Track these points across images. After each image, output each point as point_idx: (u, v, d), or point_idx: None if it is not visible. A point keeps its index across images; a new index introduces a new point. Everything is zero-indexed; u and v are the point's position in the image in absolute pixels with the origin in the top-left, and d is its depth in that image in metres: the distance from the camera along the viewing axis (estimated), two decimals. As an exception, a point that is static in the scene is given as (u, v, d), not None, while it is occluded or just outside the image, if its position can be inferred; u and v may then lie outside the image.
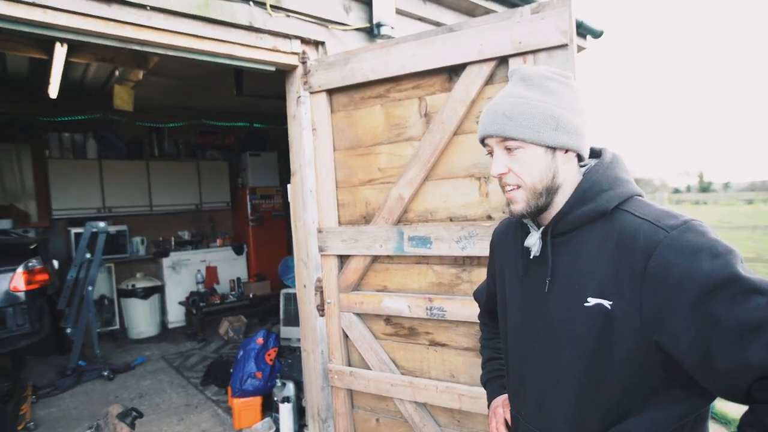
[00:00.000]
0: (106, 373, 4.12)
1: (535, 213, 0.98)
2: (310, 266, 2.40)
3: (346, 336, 2.29)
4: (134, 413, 2.06)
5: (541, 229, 1.00)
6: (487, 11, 3.13)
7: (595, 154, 1.03)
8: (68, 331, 4.19)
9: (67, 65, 4.12)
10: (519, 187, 0.96)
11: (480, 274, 1.94)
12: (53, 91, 4.53)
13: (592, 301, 0.89)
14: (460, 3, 3.04)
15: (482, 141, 1.00)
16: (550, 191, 0.96)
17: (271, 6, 2.18)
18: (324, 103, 2.29)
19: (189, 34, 1.98)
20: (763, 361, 0.73)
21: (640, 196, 0.96)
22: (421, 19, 2.90)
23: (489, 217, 1.92)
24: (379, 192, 2.18)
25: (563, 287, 0.95)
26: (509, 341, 1.11)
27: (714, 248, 0.79)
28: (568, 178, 0.97)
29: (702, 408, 0.89)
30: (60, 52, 3.50)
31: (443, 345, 2.06)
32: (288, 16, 2.27)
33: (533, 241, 1.01)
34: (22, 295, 3.15)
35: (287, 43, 2.30)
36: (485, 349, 1.37)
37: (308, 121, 2.35)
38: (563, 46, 1.70)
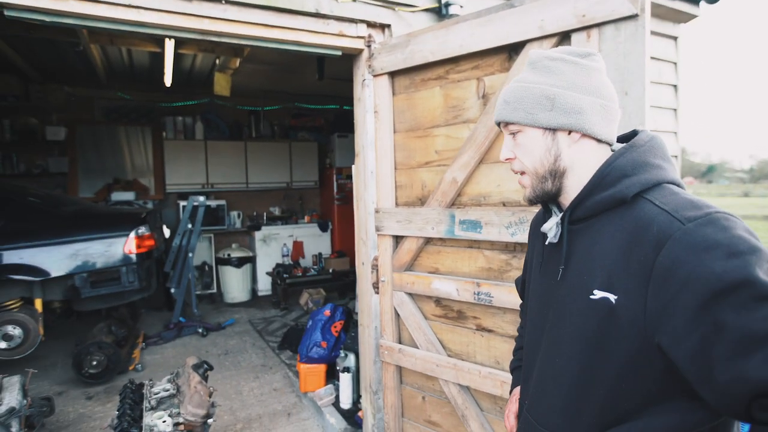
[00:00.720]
0: (200, 330, 4.66)
1: (543, 198, 0.96)
2: (368, 245, 2.49)
3: (397, 314, 2.35)
4: (206, 366, 2.32)
5: (561, 215, 0.96)
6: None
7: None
8: (172, 290, 4.80)
9: (178, 57, 4.64)
10: (524, 172, 0.97)
11: (530, 262, 1.88)
12: (168, 80, 5.13)
13: (598, 294, 0.84)
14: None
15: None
16: (555, 175, 0.93)
17: (338, -9, 2.26)
18: (386, 86, 2.33)
19: (259, 23, 2.13)
20: (763, 377, 0.65)
21: (673, 183, 0.88)
22: (496, -5, 2.80)
23: (542, 203, 1.83)
24: (435, 174, 2.18)
25: (574, 276, 0.91)
26: (527, 330, 1.10)
27: (734, 246, 0.71)
28: (580, 161, 0.92)
29: (713, 422, 0.80)
30: (169, 46, 3.95)
31: (490, 330, 2.03)
32: (354, 0, 2.33)
33: (549, 227, 0.97)
34: (133, 257, 3.68)
35: (353, 28, 2.36)
36: (519, 337, 1.36)
37: (371, 104, 2.42)
38: (633, 17, 1.56)
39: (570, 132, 0.91)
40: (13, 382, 2.59)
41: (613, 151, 0.94)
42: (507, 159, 0.98)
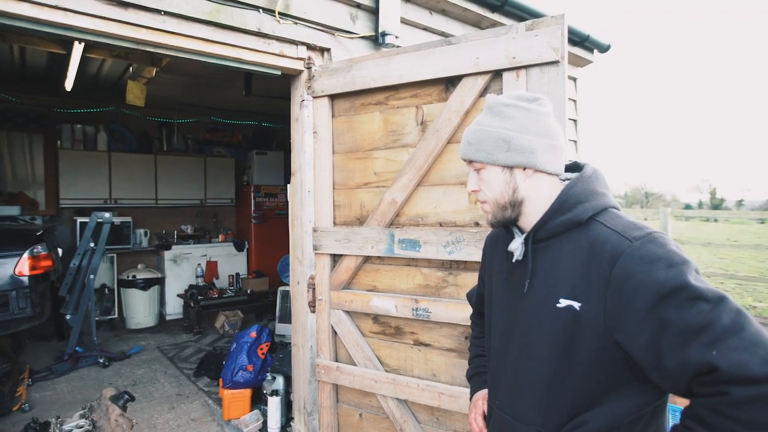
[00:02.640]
0: (101, 360, 4.21)
1: (503, 223, 1.12)
2: (305, 264, 2.48)
3: (334, 332, 2.36)
4: (126, 396, 2.13)
5: (524, 236, 1.10)
6: (494, 24, 3.23)
7: (579, 168, 1.12)
8: (68, 317, 4.29)
9: (84, 60, 4.26)
10: (486, 201, 1.12)
11: (465, 278, 2.02)
12: (69, 84, 4.67)
13: (563, 303, 0.99)
14: (467, 14, 3.13)
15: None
16: (514, 204, 1.09)
17: (280, 13, 2.29)
18: (326, 108, 2.38)
19: (200, 38, 2.09)
20: (700, 359, 0.82)
21: (615, 208, 1.06)
22: (426, 29, 3.00)
23: (476, 224, 1.99)
24: (374, 195, 2.26)
25: (540, 289, 1.05)
26: (491, 338, 1.22)
27: (671, 259, 0.89)
28: (535, 191, 1.08)
29: (657, 401, 0.98)
30: (77, 49, 3.63)
31: (427, 345, 2.13)
32: (296, 23, 2.37)
33: (515, 246, 1.11)
34: (25, 279, 3.24)
35: (293, 49, 2.40)
36: (473, 346, 1.46)
37: (310, 124, 2.45)
38: (555, 63, 1.79)
39: (525, 168, 1.06)
40: None
41: (561, 180, 1.10)
42: (473, 191, 1.13)
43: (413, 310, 2.11)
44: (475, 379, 1.40)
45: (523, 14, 3.27)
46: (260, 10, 2.23)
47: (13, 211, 5.09)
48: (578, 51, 3.89)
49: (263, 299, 5.79)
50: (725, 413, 0.80)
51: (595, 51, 4.03)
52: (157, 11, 1.94)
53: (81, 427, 1.96)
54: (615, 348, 0.93)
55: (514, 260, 1.13)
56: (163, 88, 5.25)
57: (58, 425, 1.97)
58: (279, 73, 2.45)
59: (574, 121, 4.08)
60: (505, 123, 1.07)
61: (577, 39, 3.79)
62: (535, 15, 3.28)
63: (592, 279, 0.95)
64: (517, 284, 1.11)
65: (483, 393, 1.32)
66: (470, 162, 1.12)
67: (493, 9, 3.19)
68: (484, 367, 1.37)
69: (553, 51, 1.77)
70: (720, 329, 0.82)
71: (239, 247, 6.71)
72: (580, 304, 0.97)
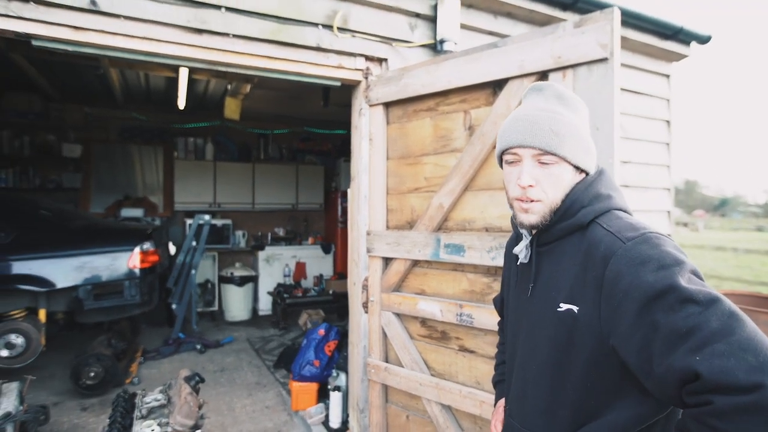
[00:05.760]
0: (198, 347, 4.73)
1: (545, 226, 1.02)
2: (360, 266, 2.58)
3: (384, 334, 2.42)
4: (197, 378, 2.40)
5: (528, 240, 1.08)
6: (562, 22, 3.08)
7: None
8: (173, 306, 4.90)
9: (192, 81, 4.87)
10: (540, 200, 0.99)
11: (510, 286, 1.96)
12: (181, 103, 5.36)
13: (563, 307, 0.97)
14: (534, 15, 3.03)
15: (507, 150, 1.02)
16: (559, 208, 1.01)
17: (338, 28, 2.43)
18: (381, 115, 2.47)
19: (264, 56, 2.30)
20: (684, 365, 0.76)
21: (620, 209, 1.01)
22: (491, 33, 2.96)
23: (522, 230, 1.93)
24: (423, 200, 2.29)
25: (542, 292, 1.03)
26: (507, 342, 1.22)
27: (662, 260, 0.84)
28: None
29: (660, 413, 0.92)
30: (183, 72, 4.16)
31: (471, 351, 2.10)
32: (353, 36, 2.49)
33: (520, 249, 1.10)
34: (136, 271, 3.80)
35: (351, 61, 2.52)
36: (499, 353, 1.45)
37: (366, 132, 2.55)
38: (603, 60, 1.69)
39: (581, 172, 1.04)
40: (11, 389, 2.68)
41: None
42: (528, 185, 0.98)
43: (457, 315, 2.10)
44: (500, 386, 1.39)
45: (590, 8, 3.06)
46: (319, 26, 2.39)
47: (138, 213, 5.96)
48: (669, 45, 3.53)
49: (344, 300, 6.02)
50: (709, 424, 0.74)
51: (693, 43, 3.63)
52: (226, 34, 2.18)
53: (158, 400, 2.25)
54: (612, 353, 0.89)
55: (518, 263, 1.12)
56: (257, 103, 5.77)
57: (141, 397, 2.29)
58: (339, 84, 2.60)
59: (667, 121, 3.71)
60: (577, 117, 1.02)
61: (669, 33, 3.44)
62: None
63: (587, 281, 0.93)
64: (524, 288, 1.10)
65: (503, 401, 1.31)
66: (543, 153, 0.97)
67: (565, 8, 3.05)
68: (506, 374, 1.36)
69: (601, 48, 1.68)
70: (707, 333, 0.75)
71: (326, 250, 7.07)
72: (578, 308, 0.94)
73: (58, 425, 3.24)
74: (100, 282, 3.68)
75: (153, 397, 2.28)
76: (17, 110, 5.55)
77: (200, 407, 2.25)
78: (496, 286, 2.01)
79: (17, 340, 3.37)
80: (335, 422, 3.05)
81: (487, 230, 2.06)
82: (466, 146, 2.11)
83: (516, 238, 1.23)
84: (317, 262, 6.92)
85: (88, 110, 6.07)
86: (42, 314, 3.56)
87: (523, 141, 0.98)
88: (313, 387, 3.30)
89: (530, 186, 0.98)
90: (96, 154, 6.11)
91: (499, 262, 1.94)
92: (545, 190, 0.99)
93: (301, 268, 6.73)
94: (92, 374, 3.67)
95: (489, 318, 1.98)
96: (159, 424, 2.11)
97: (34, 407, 2.84)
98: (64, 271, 3.59)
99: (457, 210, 2.16)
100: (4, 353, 3.36)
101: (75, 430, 3.19)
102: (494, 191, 2.03)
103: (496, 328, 1.96)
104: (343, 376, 3.14)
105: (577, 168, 1.02)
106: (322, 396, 3.36)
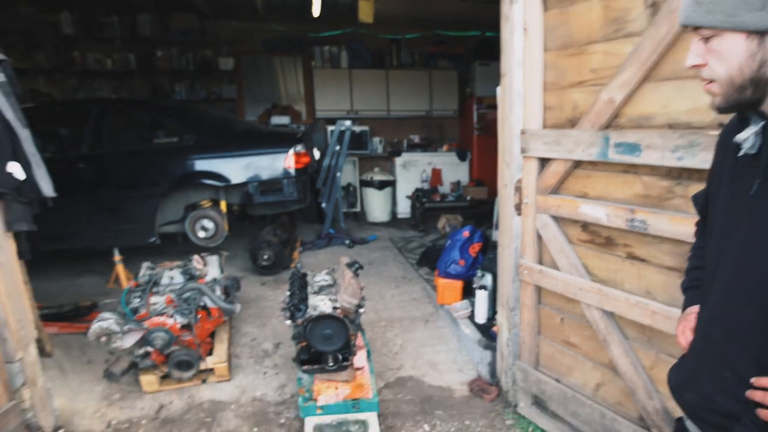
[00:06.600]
0: (347, 242, 5.24)
1: (738, 108, 0.91)
2: (512, 167, 2.50)
3: (539, 236, 2.38)
4: (357, 265, 2.69)
5: (762, 123, 0.90)
6: None
7: None
8: (323, 205, 5.42)
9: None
10: (714, 80, 0.89)
11: (697, 189, 1.72)
12: (316, 11, 5.40)
13: None
14: None
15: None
16: (758, 83, 0.85)
17: None
18: (537, 0, 2.19)
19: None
20: None
21: None
22: None
23: (720, 125, 1.64)
24: (588, 95, 2.06)
25: None
26: (709, 244, 1.08)
27: None
28: None
29: None
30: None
31: (642, 260, 1.96)
32: None
33: (745, 136, 0.91)
34: (292, 171, 4.29)
35: (508, -65, 2.22)
36: (693, 257, 1.32)
37: (520, 22, 2.31)
38: None
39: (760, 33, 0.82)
40: (213, 260, 3.32)
41: None
42: (694, 66, 0.91)
43: (628, 220, 1.94)
44: (690, 292, 1.26)
45: None
46: None
47: (285, 120, 6.46)
48: None
49: (482, 207, 6.03)
50: None
51: None
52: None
53: (326, 281, 2.62)
54: None
55: (742, 154, 0.93)
56: (389, 4, 5.54)
57: (312, 276, 2.68)
58: (492, -34, 2.33)
59: None
60: None
61: None
62: None
63: None
64: (745, 185, 0.92)
65: (696, 308, 1.19)
66: (696, 29, 0.89)
67: None
68: (701, 280, 1.23)
69: None
70: None
71: (462, 157, 6.99)
72: None
73: (246, 294, 3.97)
74: (264, 180, 4.24)
75: (321, 278, 2.63)
76: (181, 29, 6.16)
77: (361, 290, 2.53)
78: (680, 191, 1.79)
79: (209, 224, 4.19)
80: (481, 318, 3.21)
81: (671, 127, 1.79)
82: (647, 28, 1.78)
83: (732, 125, 1.04)
84: (453, 169, 6.91)
85: (235, 25, 6.48)
86: (223, 205, 4.27)
87: (681, 20, 0.91)
88: (458, 284, 3.46)
89: (696, 66, 0.91)
90: (245, 67, 6.61)
91: (687, 163, 1.70)
92: (714, 68, 0.88)
93: (437, 174, 6.81)
94: (266, 257, 4.41)
95: (668, 225, 1.80)
96: (330, 300, 2.45)
97: (231, 276, 3.49)
98: (236, 169, 4.19)
99: (632, 105, 1.90)
100: (202, 234, 4.24)
101: (259, 299, 3.90)
102: (683, 80, 1.72)
103: (675, 236, 1.79)
104: (488, 276, 3.23)
105: (757, 33, 0.81)
106: (467, 294, 3.53)
